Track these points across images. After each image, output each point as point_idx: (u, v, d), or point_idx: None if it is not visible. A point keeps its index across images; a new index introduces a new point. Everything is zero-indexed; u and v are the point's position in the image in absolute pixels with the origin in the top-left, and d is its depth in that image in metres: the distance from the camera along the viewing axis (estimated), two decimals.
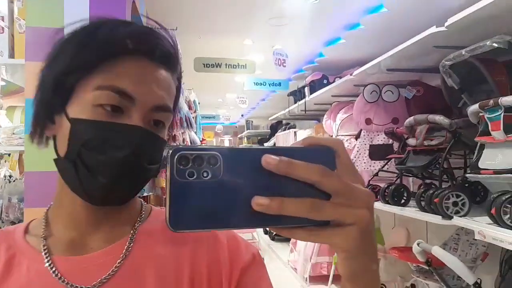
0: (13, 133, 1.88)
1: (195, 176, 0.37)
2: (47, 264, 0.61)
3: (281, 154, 0.38)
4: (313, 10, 3.19)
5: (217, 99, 7.80)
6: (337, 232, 0.39)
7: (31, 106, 1.41)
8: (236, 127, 12.88)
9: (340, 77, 4.30)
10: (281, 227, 0.40)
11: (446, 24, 1.87)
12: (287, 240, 6.35)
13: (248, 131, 10.08)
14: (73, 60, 0.61)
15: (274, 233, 6.96)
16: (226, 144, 12.82)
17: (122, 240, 0.65)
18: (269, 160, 0.37)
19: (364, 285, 0.42)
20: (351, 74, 3.69)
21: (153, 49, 0.62)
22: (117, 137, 0.58)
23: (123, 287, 0.61)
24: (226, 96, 7.34)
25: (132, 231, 0.67)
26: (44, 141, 0.66)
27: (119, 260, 0.62)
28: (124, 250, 0.64)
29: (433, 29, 1.95)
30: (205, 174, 0.37)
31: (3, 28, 1.87)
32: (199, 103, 4.36)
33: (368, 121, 3.55)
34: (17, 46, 1.89)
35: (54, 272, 0.60)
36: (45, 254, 0.62)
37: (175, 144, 2.11)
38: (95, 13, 1.74)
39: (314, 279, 4.71)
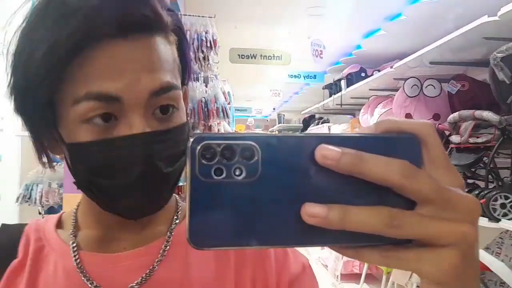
0: None
1: (224, 175, 0.27)
2: (74, 261, 0.55)
3: (344, 145, 0.27)
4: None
5: (249, 92, 7.79)
6: (427, 257, 0.27)
7: None
8: (267, 120, 12.84)
9: (379, 70, 4.16)
10: (344, 246, 0.29)
11: (499, 13, 1.76)
12: None
13: (280, 124, 10.02)
14: (38, 71, 0.46)
15: None
16: None
17: (157, 242, 0.57)
18: (328, 153, 0.27)
19: None
20: (391, 67, 3.57)
21: (124, 24, 0.45)
22: (122, 156, 0.48)
23: (162, 280, 0.54)
24: (259, 88, 7.31)
25: (168, 232, 0.58)
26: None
27: (152, 265, 0.55)
28: (160, 253, 0.56)
29: (485, 19, 1.85)
30: (237, 172, 0.27)
31: None
32: (232, 95, 4.36)
33: (408, 116, 3.43)
34: None
35: (80, 268, 0.54)
36: (74, 249, 0.55)
37: (198, 131, 1.95)
38: None
39: (345, 277, 4.64)
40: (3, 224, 0.60)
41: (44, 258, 0.56)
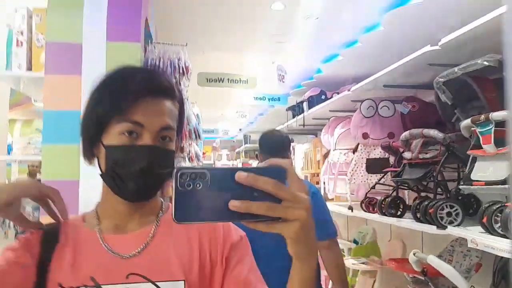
0: (29, 143, 1.97)
1: (191, 187, 0.55)
2: (100, 239, 0.89)
3: (249, 172, 0.56)
4: (312, 28, 3.33)
5: (216, 113, 7.92)
6: (285, 225, 0.56)
7: (48, 116, 1.56)
8: (233, 141, 12.97)
9: (338, 93, 4.42)
10: (248, 221, 0.56)
11: (440, 43, 1.98)
12: None
13: (246, 145, 10.18)
14: (103, 111, 0.87)
15: None
16: (224, 157, 12.91)
17: (150, 225, 0.92)
18: (240, 176, 0.55)
19: (306, 263, 0.61)
20: (348, 90, 3.81)
21: (154, 89, 0.88)
22: (134, 156, 0.85)
23: (150, 256, 0.87)
24: (225, 110, 7.46)
25: (156, 220, 0.93)
26: (93, 160, 0.93)
27: (148, 239, 0.90)
28: (151, 232, 0.91)
29: (428, 48, 2.06)
30: (198, 185, 0.55)
31: (22, 42, 1.97)
32: (200, 117, 4.47)
33: (365, 136, 3.65)
34: (35, 59, 1.99)
35: (105, 245, 0.88)
36: (99, 232, 0.90)
37: (182, 155, 2.24)
38: (112, 30, 1.86)
39: None
40: (46, 224, 0.91)
41: (77, 238, 0.89)
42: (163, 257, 0.87)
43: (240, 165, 9.91)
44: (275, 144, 2.79)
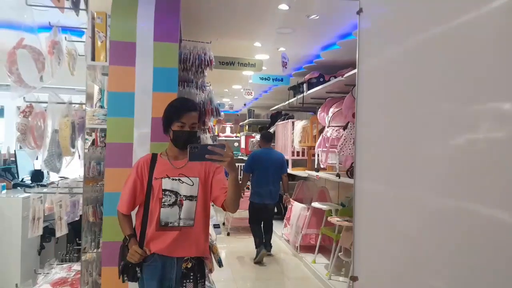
0: (93, 115, 2.60)
1: (193, 150, 1.80)
2: (169, 162, 2.07)
3: (213, 146, 1.80)
4: (313, 22, 3.89)
5: (223, 89, 8.47)
6: (224, 163, 1.80)
7: (112, 96, 2.42)
8: (238, 115, 13.58)
9: (335, 76, 5.00)
10: (213, 161, 1.79)
11: None
12: (281, 218, 7.14)
13: (250, 119, 10.78)
14: (170, 118, 2.04)
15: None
16: (228, 130, 13.56)
17: (186, 157, 1.89)
18: (209, 147, 1.80)
19: (233, 173, 1.86)
20: (342, 76, 4.41)
21: (190, 109, 2.04)
22: (182, 133, 2.03)
23: (188, 168, 2.05)
24: (232, 87, 8.03)
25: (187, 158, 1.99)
26: (168, 135, 2.09)
27: (186, 162, 2.03)
28: (187, 160, 1.88)
29: None
30: (195, 150, 1.79)
31: (88, 38, 2.58)
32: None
33: (354, 115, 4.26)
34: (97, 52, 2.60)
35: (171, 163, 2.08)
36: (168, 159, 2.08)
37: (203, 127, 2.91)
38: (157, 32, 2.47)
39: (303, 248, 5.49)
40: (152, 154, 2.15)
41: (161, 162, 2.08)
42: (191, 169, 2.04)
43: (243, 138, 10.64)
44: (267, 138, 5.71)
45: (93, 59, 2.60)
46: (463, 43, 1.32)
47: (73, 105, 2.69)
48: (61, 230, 2.83)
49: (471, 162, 1.24)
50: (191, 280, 1.99)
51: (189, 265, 2.00)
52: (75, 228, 3.40)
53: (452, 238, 1.31)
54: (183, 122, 1.99)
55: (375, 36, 1.88)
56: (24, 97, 2.50)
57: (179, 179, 2.02)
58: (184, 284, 1.98)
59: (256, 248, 5.37)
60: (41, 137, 2.46)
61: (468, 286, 1.22)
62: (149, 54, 2.47)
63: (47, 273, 2.84)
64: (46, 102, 2.56)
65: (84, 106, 2.72)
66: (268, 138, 5.66)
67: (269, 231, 5.54)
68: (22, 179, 4.08)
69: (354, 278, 1.92)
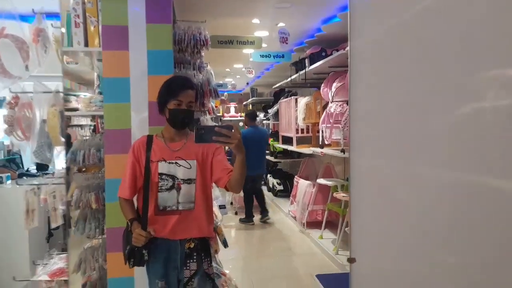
0: (90, 102, 2.57)
1: (199, 131, 1.74)
2: (165, 144, 2.01)
3: (220, 127, 1.74)
4: None
5: (224, 69, 8.39)
6: (232, 144, 1.73)
7: (107, 82, 2.37)
8: (241, 94, 13.49)
9: (338, 50, 4.89)
10: (220, 143, 1.75)
11: None
12: (287, 196, 7.16)
13: (253, 98, 10.71)
14: (166, 96, 1.97)
15: (277, 190, 7.80)
16: (232, 109, 13.51)
17: (183, 140, 2.03)
18: (216, 128, 1.74)
19: (240, 155, 1.82)
20: (344, 49, 4.31)
21: (187, 86, 1.97)
22: (179, 112, 1.96)
23: (183, 151, 2.00)
24: (234, 66, 7.93)
25: (186, 137, 2.04)
26: (163, 115, 2.02)
27: (183, 144, 2.02)
28: (184, 141, 2.02)
29: None
30: (202, 131, 1.74)
31: (79, 24, 2.52)
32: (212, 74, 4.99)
33: None
34: (90, 37, 2.55)
35: (167, 145, 2.01)
36: (164, 141, 2.02)
37: (203, 109, 2.87)
38: (149, 14, 2.41)
39: (310, 224, 5.52)
40: (148, 135, 2.11)
41: (157, 143, 2.02)
42: (188, 151, 1.99)
43: None
44: (252, 117, 6.50)
45: (86, 45, 2.55)
46: (463, 8, 1.25)
47: (61, 93, 2.65)
48: (56, 221, 2.82)
49: (475, 132, 1.20)
50: (195, 260, 1.98)
51: (192, 245, 1.99)
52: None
53: (455, 212, 1.28)
54: (180, 100, 1.93)
55: (366, 10, 1.81)
56: (10, 88, 2.45)
57: (176, 163, 1.97)
58: (188, 264, 1.98)
59: (248, 216, 6.28)
60: (29, 128, 2.43)
61: (472, 260, 1.19)
62: (142, 37, 2.42)
63: (46, 264, 2.86)
64: (32, 92, 2.50)
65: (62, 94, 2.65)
66: (253, 117, 6.59)
67: (263, 199, 6.43)
68: (28, 169, 4.10)
69: (351, 260, 1.89)
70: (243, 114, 12.71)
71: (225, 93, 11.87)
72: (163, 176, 1.97)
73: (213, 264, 2.21)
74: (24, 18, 2.41)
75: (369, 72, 1.82)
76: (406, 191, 1.54)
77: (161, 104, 1.99)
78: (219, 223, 2.85)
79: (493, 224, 1.11)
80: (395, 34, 1.60)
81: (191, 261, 1.98)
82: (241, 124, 12.01)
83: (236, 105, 13.75)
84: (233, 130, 1.72)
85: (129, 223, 1.99)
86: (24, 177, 3.90)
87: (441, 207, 1.33)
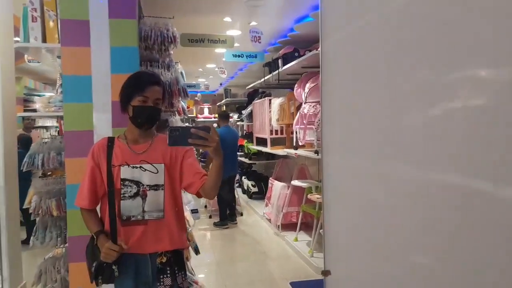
0: (49, 102, 2.40)
1: (173, 133, 1.52)
2: (126, 144, 1.79)
3: (197, 128, 1.53)
4: None
5: (197, 69, 8.23)
6: (209, 147, 1.53)
7: (67, 80, 2.20)
8: (215, 95, 13.34)
9: (310, 50, 4.85)
10: (196, 146, 1.55)
11: None
12: (262, 198, 7.08)
13: (227, 99, 10.59)
14: (131, 92, 1.74)
15: (252, 192, 7.71)
16: (206, 110, 13.34)
17: (149, 141, 1.81)
18: (192, 129, 1.52)
19: (218, 159, 1.62)
20: (316, 49, 4.26)
21: (153, 82, 1.76)
22: (144, 109, 1.74)
23: (149, 153, 1.78)
24: (206, 66, 7.79)
25: (152, 138, 1.83)
26: (126, 113, 1.79)
27: (148, 146, 1.80)
28: (150, 143, 1.80)
29: None
30: (177, 133, 1.51)
31: (36, 18, 2.35)
32: (182, 73, 4.85)
33: None
34: (48, 33, 2.38)
35: (130, 148, 1.79)
36: (127, 143, 1.79)
37: (172, 110, 2.74)
38: (113, 8, 2.27)
39: (285, 226, 5.44)
40: (109, 137, 1.88)
41: (116, 147, 1.79)
42: (154, 154, 1.80)
43: None
44: (224, 117, 6.40)
45: (44, 40, 2.38)
46: (433, 8, 1.20)
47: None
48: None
49: (446, 131, 1.15)
50: (169, 275, 1.78)
51: (164, 259, 1.79)
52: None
53: (428, 212, 1.22)
54: (145, 96, 1.72)
55: (337, 10, 1.75)
56: None
57: (140, 167, 1.76)
58: (162, 280, 1.78)
59: (223, 219, 6.17)
60: None
61: (451, 262, 1.14)
62: (104, 32, 2.27)
63: None
64: None
65: None
66: (226, 116, 6.59)
67: (234, 200, 6.43)
68: None
69: (326, 273, 1.78)
70: (216, 115, 12.59)
71: (199, 94, 11.69)
72: (126, 182, 1.75)
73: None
74: None
75: (341, 72, 1.76)
76: (380, 193, 1.48)
77: (123, 101, 1.77)
78: (190, 229, 2.73)
79: (469, 225, 1.06)
80: (366, 34, 1.54)
81: (165, 276, 1.79)
82: (214, 125, 11.87)
83: (210, 106, 13.59)
84: (210, 132, 1.54)
85: (95, 237, 1.75)
86: None
87: (417, 208, 1.28)
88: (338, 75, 1.78)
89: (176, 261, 1.82)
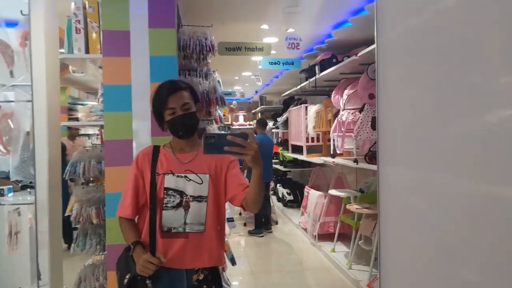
0: (91, 112, 2.45)
1: (209, 140, 1.45)
2: (172, 153, 1.75)
3: (234, 135, 1.43)
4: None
5: (233, 77, 8.27)
6: (247, 156, 1.45)
7: (107, 90, 2.20)
8: (250, 103, 13.38)
9: (349, 56, 4.73)
10: (233, 154, 1.45)
11: None
12: (298, 206, 6.97)
13: (262, 106, 10.57)
14: (158, 109, 1.71)
15: (287, 200, 7.61)
16: (241, 118, 13.39)
17: (194, 151, 1.76)
18: (229, 136, 1.43)
19: (257, 169, 1.54)
20: (356, 55, 4.15)
21: (173, 89, 1.69)
22: (176, 121, 1.68)
23: (194, 163, 1.72)
24: (242, 74, 7.81)
25: (197, 149, 1.76)
26: (164, 128, 1.75)
27: (194, 156, 1.74)
28: (196, 153, 1.74)
29: None
30: (212, 140, 1.45)
31: (80, 30, 2.41)
32: (219, 82, 4.86)
33: (371, 96, 4.02)
34: (91, 44, 2.43)
35: (176, 156, 1.74)
36: (172, 152, 1.76)
37: (210, 118, 2.73)
38: (152, 19, 2.28)
39: (321, 236, 5.31)
40: (154, 146, 1.84)
41: (164, 155, 1.76)
42: (200, 164, 1.73)
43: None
44: (263, 125, 6.59)
45: (87, 51, 2.43)
46: (494, 10, 1.10)
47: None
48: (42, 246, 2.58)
49: (506, 142, 1.04)
50: None
51: (201, 277, 1.69)
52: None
53: (489, 227, 1.11)
54: (172, 107, 1.66)
55: (395, 3, 1.65)
56: None
57: (185, 176, 1.69)
58: None
59: (258, 228, 6.08)
60: (11, 141, 2.27)
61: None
62: (144, 42, 2.29)
63: None
64: (14, 101, 2.31)
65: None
66: (264, 124, 6.69)
67: (269, 208, 6.37)
68: (31, 181, 3.98)
69: None
70: (252, 123, 12.59)
71: (234, 102, 11.75)
72: (170, 192, 1.69)
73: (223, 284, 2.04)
74: (11, 24, 2.27)
75: (396, 76, 1.66)
76: (438, 205, 1.37)
77: (158, 119, 1.74)
78: (226, 239, 2.69)
79: None
80: (421, 34, 1.44)
81: None
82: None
83: (245, 114, 13.63)
84: (248, 139, 1.44)
85: (132, 247, 1.66)
86: (28, 189, 3.78)
87: (474, 221, 1.16)
88: (393, 79, 1.67)
89: (213, 279, 1.73)
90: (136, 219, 1.78)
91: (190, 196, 1.69)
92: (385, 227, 1.80)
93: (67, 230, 4.31)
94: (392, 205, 1.72)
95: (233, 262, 2.61)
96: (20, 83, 2.28)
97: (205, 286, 1.70)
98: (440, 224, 1.38)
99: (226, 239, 2.69)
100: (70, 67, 5.21)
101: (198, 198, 1.69)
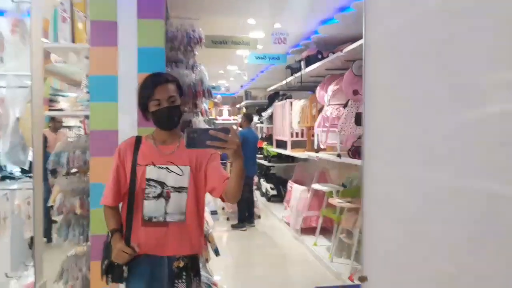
0: (76, 102, 2.43)
1: (191, 135, 1.45)
2: (155, 147, 1.78)
3: (217, 130, 1.46)
4: None
5: (218, 71, 8.25)
6: (229, 150, 1.47)
7: (94, 80, 2.20)
8: (235, 97, 13.35)
9: (334, 52, 4.79)
10: (215, 148, 1.46)
11: None
12: (281, 201, 7.04)
13: (247, 101, 10.58)
14: (144, 100, 1.73)
15: (270, 195, 7.67)
16: (225, 112, 13.38)
17: (176, 142, 1.79)
18: (211, 131, 1.45)
19: (238, 162, 1.56)
20: (341, 51, 4.20)
21: (160, 81, 1.72)
22: (161, 112, 1.72)
23: (176, 155, 1.76)
24: (227, 68, 7.80)
25: (178, 140, 1.79)
26: (150, 120, 1.78)
27: (175, 147, 1.77)
28: (177, 144, 1.77)
29: None
30: (194, 135, 1.45)
31: (66, 18, 2.38)
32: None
33: (355, 92, 4.08)
34: (77, 34, 2.40)
35: (157, 148, 1.78)
36: (154, 144, 1.79)
37: (195, 110, 2.74)
38: (141, 9, 2.27)
39: (304, 230, 5.39)
40: (136, 136, 1.88)
41: (142, 145, 1.80)
42: (181, 156, 1.76)
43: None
44: (250, 119, 6.64)
45: (73, 41, 2.40)
46: (482, 8, 1.14)
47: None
48: (31, 230, 2.59)
49: (486, 137, 1.09)
50: (184, 280, 1.75)
51: (181, 264, 1.75)
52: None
53: (471, 221, 1.16)
54: (157, 99, 1.70)
55: None
56: None
57: (166, 168, 1.74)
58: (177, 285, 1.74)
59: (241, 222, 6.16)
60: (0, 127, 2.25)
61: (498, 274, 1.08)
62: (132, 33, 2.29)
63: (19, 277, 2.64)
64: (4, 87, 2.29)
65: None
66: (251, 119, 6.81)
67: (252, 203, 6.45)
68: (11, 171, 3.92)
69: (363, 279, 1.74)
70: (236, 117, 12.59)
71: (218, 96, 11.72)
72: (151, 182, 1.74)
73: (204, 273, 2.06)
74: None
75: (383, 72, 1.70)
76: (423, 199, 1.42)
77: (143, 109, 1.77)
78: (210, 231, 2.71)
79: None
80: (410, 30, 1.48)
81: (180, 281, 1.75)
82: (234, 126, 11.92)
83: (229, 108, 13.61)
84: (230, 134, 1.47)
85: (110, 234, 1.75)
86: (7, 180, 3.71)
87: (466, 218, 1.21)
88: (380, 75, 1.71)
89: (193, 267, 1.79)
90: (120, 208, 1.83)
91: (171, 187, 1.75)
92: (368, 222, 1.84)
93: (46, 223, 4.25)
94: (376, 200, 1.77)
95: (216, 253, 2.64)
96: (16, 73, 2.26)
97: (184, 273, 1.76)
98: (423, 218, 1.43)
99: (210, 230, 2.71)
100: (52, 58, 5.12)
101: (179, 189, 1.75)
